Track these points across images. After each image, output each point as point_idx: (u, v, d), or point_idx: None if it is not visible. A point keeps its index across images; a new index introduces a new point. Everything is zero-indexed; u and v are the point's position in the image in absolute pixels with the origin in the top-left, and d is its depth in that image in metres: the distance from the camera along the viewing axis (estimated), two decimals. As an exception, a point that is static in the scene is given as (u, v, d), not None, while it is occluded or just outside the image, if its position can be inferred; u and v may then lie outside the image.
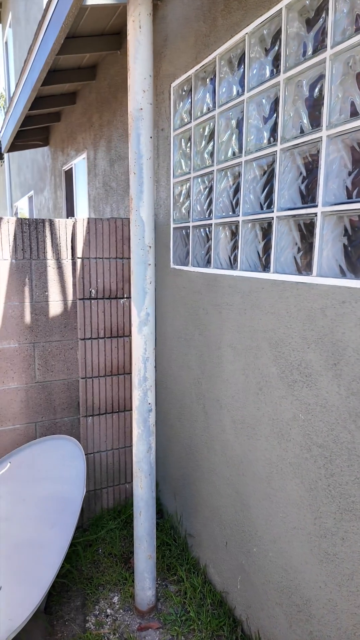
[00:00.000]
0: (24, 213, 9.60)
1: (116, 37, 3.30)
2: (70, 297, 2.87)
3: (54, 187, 5.99)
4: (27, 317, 2.76)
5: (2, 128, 5.44)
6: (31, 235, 2.70)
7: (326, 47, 1.52)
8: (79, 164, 4.74)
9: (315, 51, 1.58)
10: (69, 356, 2.91)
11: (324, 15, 1.53)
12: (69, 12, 2.34)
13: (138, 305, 2.10)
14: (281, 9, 1.70)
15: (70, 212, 5.42)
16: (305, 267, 1.71)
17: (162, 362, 2.94)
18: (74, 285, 2.87)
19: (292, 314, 1.73)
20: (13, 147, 5.89)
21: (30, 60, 3.44)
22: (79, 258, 2.82)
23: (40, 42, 3.06)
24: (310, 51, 1.61)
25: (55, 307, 2.83)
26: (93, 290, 2.89)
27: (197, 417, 2.54)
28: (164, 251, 2.84)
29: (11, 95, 8.76)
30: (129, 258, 2.96)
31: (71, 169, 5.08)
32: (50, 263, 2.78)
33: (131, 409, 3.09)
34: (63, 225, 2.78)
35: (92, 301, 2.90)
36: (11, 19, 8.23)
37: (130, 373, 3.06)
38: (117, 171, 3.53)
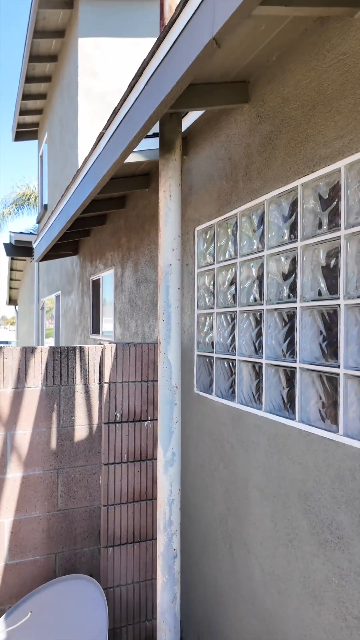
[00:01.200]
0: (51, 308, 10.02)
1: (145, 177, 3.66)
2: (95, 420, 2.92)
3: (81, 293, 6.32)
4: (53, 443, 2.79)
5: (35, 242, 5.90)
6: (62, 362, 2.82)
7: (340, 226, 1.68)
8: (107, 277, 5.04)
9: (331, 227, 1.74)
10: (91, 482, 2.89)
11: (336, 199, 1.71)
12: (107, 172, 2.65)
13: (164, 445, 2.13)
14: (297, 186, 1.90)
15: (96, 318, 5.65)
16: (332, 420, 1.74)
17: (184, 489, 2.89)
18: (100, 409, 2.93)
19: (320, 469, 1.73)
20: (45, 257, 6.35)
21: (66, 196, 3.82)
22: (105, 383, 2.91)
23: (77, 185, 3.42)
24: (325, 226, 1.77)
25: (80, 431, 2.87)
26: (118, 414, 2.94)
27: (222, 557, 2.44)
28: (188, 376, 2.91)
29: (43, 197, 9.61)
30: (154, 380, 3.04)
31: (99, 279, 5.39)
32: (78, 388, 2.87)
33: (152, 539, 2.98)
34: (92, 352, 2.91)
35: (117, 425, 2.94)
36: (47, 138, 9.25)
37: (152, 499, 3.00)
38: (143, 292, 3.74)
